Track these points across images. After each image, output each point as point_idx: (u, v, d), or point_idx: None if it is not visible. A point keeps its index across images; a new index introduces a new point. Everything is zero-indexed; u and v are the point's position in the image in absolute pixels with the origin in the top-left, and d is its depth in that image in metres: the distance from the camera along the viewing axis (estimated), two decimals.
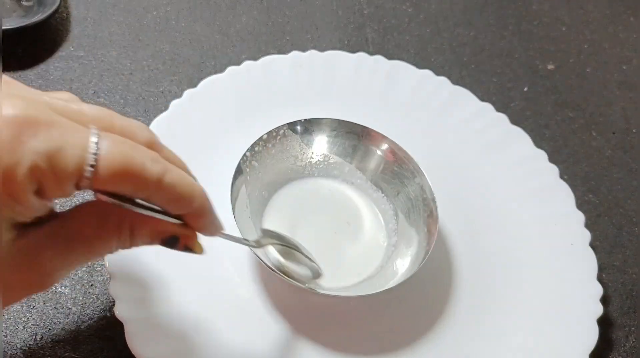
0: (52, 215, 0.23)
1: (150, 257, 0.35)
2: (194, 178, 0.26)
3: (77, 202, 0.23)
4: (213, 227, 0.26)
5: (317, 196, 0.40)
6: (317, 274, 0.35)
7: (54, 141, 0.20)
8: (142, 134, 0.24)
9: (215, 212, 0.26)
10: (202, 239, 0.27)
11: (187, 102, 0.42)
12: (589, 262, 0.37)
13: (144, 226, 0.24)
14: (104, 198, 0.22)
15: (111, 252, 0.24)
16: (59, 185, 0.21)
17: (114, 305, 0.32)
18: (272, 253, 0.34)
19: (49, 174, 0.20)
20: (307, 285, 0.34)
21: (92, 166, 0.21)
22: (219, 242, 0.36)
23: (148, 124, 0.40)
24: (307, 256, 0.35)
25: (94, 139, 0.21)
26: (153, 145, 0.24)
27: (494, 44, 0.54)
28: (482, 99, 0.46)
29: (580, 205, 0.40)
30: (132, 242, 0.24)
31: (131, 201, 0.23)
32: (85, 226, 0.23)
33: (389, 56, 0.48)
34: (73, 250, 0.23)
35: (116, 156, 0.21)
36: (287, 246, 0.34)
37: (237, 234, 0.33)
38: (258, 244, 0.32)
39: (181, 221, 0.25)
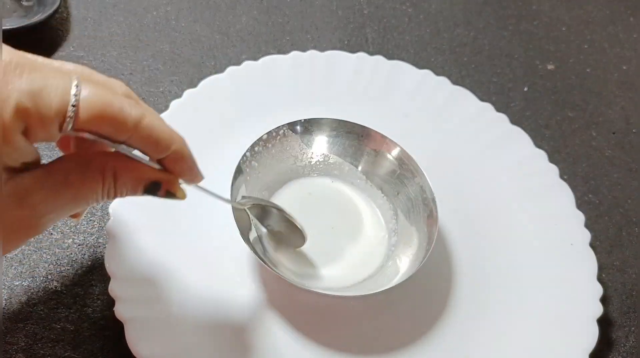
0: (38, 165, 0.24)
1: (150, 257, 0.35)
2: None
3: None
4: (193, 173, 0.27)
5: (317, 196, 0.40)
6: (302, 239, 0.36)
7: (38, 82, 0.22)
8: (120, 88, 0.26)
9: (195, 160, 0.27)
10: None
11: (187, 103, 0.42)
12: (589, 262, 0.37)
13: (126, 171, 0.26)
14: (87, 135, 0.23)
15: (98, 200, 0.25)
16: (43, 125, 0.22)
17: (114, 305, 0.32)
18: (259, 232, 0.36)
19: (34, 114, 0.21)
20: (306, 285, 0.34)
21: (73, 106, 0.22)
22: (219, 242, 0.37)
23: None
24: (289, 218, 0.35)
25: (75, 82, 0.23)
26: (131, 97, 0.26)
27: (494, 44, 0.54)
28: (482, 99, 0.46)
29: (580, 205, 0.40)
30: (116, 190, 0.26)
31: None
32: (70, 172, 0.24)
33: (389, 56, 0.48)
34: (61, 194, 0.24)
35: (97, 98, 0.23)
36: (268, 206, 0.35)
37: (241, 232, 0.33)
38: (239, 204, 0.33)
39: (162, 168, 0.26)
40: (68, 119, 0.22)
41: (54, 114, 0.22)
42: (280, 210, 0.35)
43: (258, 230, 0.37)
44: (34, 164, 0.24)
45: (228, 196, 0.33)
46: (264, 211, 0.36)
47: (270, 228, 0.37)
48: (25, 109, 0.21)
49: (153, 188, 0.26)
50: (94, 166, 0.25)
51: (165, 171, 0.27)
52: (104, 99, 0.23)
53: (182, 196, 0.28)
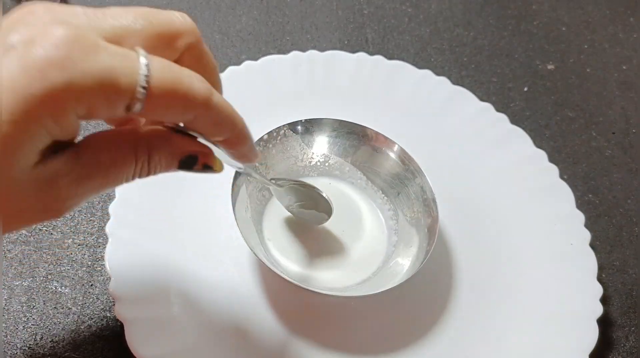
0: (70, 142, 0.22)
1: (150, 257, 0.35)
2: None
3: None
4: (252, 153, 0.26)
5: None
6: (325, 215, 0.37)
7: (105, 64, 0.20)
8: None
9: (253, 140, 0.26)
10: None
11: None
12: (589, 262, 0.37)
13: (160, 148, 0.24)
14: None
15: (129, 181, 0.24)
16: (109, 108, 0.21)
17: (114, 305, 0.32)
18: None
19: (100, 97, 0.20)
20: (306, 285, 0.34)
21: (144, 88, 0.21)
22: (219, 242, 0.37)
23: None
24: (319, 193, 0.36)
25: (143, 61, 0.21)
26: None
27: (493, 44, 0.54)
28: (482, 99, 0.46)
29: (580, 205, 0.40)
30: (150, 168, 0.24)
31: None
32: (101, 153, 0.23)
33: (389, 56, 0.48)
34: (90, 177, 0.23)
35: (167, 77, 0.21)
36: (303, 186, 0.37)
37: (242, 232, 0.33)
38: (279, 185, 0.35)
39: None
40: (137, 102, 0.21)
41: (123, 97, 0.20)
42: (308, 186, 0.36)
43: (260, 236, 0.37)
44: (70, 141, 0.22)
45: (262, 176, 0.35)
46: (287, 192, 0.37)
47: (291, 208, 0.38)
48: (89, 93, 0.20)
49: (189, 163, 0.25)
50: (127, 146, 0.23)
51: (200, 143, 0.25)
52: (173, 77, 0.21)
53: (220, 169, 0.26)
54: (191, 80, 0.22)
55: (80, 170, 0.22)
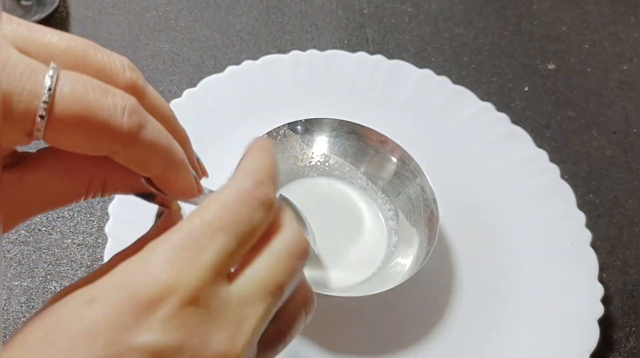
0: (15, 158, 0.20)
1: None
2: (181, 128, 0.23)
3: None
4: (189, 191, 0.22)
5: (318, 197, 0.40)
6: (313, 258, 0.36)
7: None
8: (122, 75, 0.20)
9: (191, 175, 0.22)
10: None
11: (186, 102, 0.42)
12: (590, 262, 0.37)
13: (117, 180, 0.21)
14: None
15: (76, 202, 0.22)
16: (6, 136, 0.18)
17: None
18: None
19: None
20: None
21: (42, 117, 0.17)
22: None
23: None
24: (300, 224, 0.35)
25: (48, 83, 0.17)
26: (135, 89, 0.20)
27: (494, 44, 0.53)
28: (483, 99, 0.46)
29: (581, 205, 0.40)
30: (102, 195, 0.22)
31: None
32: (52, 180, 0.20)
33: (389, 56, 0.48)
34: (34, 201, 0.20)
35: (74, 104, 0.17)
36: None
37: None
38: None
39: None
40: (36, 132, 0.17)
41: (18, 128, 0.17)
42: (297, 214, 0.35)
43: None
44: (9, 157, 0.19)
45: None
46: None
47: None
48: None
49: (145, 197, 0.23)
50: (81, 177, 0.20)
51: None
52: (85, 106, 0.18)
53: (176, 208, 0.24)
54: (112, 109, 0.18)
55: (23, 194, 0.19)
